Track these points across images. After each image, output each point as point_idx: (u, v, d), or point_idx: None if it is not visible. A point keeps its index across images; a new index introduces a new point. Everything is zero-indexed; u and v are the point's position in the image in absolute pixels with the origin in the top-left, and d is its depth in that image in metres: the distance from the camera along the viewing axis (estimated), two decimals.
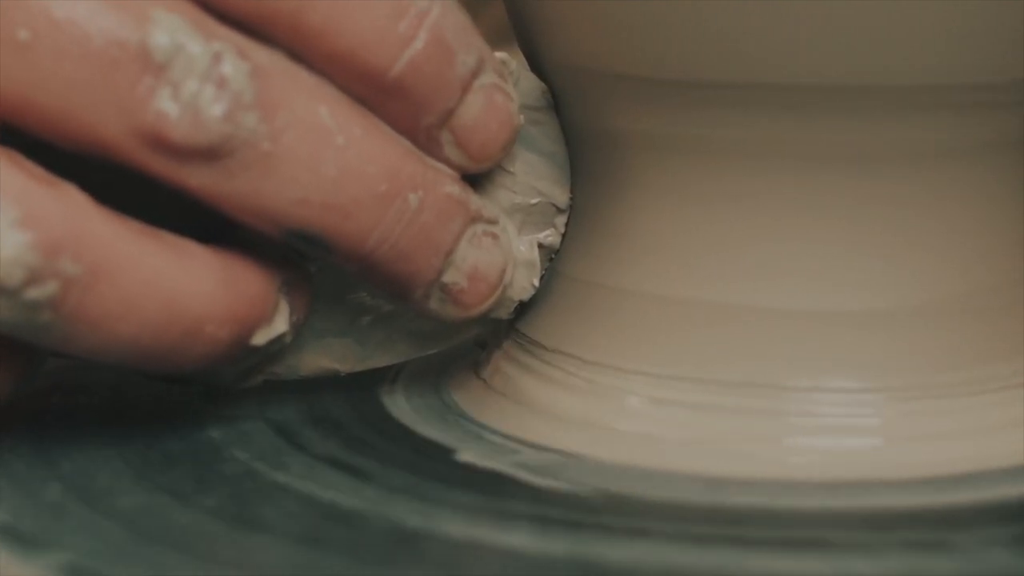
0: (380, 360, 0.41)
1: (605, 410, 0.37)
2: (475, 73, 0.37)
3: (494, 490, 0.35)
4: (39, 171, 0.34)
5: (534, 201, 0.40)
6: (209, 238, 0.36)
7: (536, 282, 0.40)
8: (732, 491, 0.35)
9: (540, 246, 0.40)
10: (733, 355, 0.37)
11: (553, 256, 0.41)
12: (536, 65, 0.40)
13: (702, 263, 0.37)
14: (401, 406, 0.41)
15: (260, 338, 0.37)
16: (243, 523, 0.33)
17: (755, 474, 0.35)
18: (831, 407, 0.36)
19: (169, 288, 0.34)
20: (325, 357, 0.41)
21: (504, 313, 0.40)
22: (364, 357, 0.41)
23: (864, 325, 0.36)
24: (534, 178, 0.40)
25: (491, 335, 0.42)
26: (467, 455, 0.37)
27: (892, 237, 0.37)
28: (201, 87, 0.34)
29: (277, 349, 0.38)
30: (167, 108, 0.34)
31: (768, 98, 0.36)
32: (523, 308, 0.41)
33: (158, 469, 0.36)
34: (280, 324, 0.37)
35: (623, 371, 0.38)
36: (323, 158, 0.35)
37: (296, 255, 0.38)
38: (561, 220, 0.40)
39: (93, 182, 0.35)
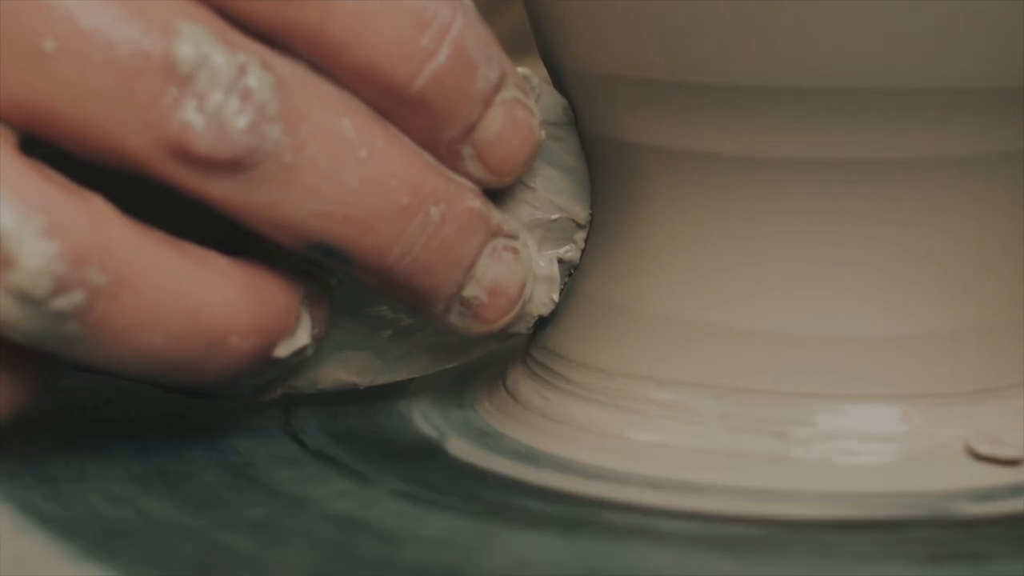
0: (399, 374, 0.41)
1: (624, 420, 0.37)
2: (497, 87, 0.37)
3: (516, 500, 0.35)
4: (64, 181, 0.34)
5: (554, 217, 0.40)
6: (230, 250, 0.36)
7: (556, 297, 0.40)
8: (752, 501, 0.35)
9: (560, 261, 0.40)
10: (752, 367, 0.37)
11: (572, 271, 0.41)
12: (555, 72, 0.40)
13: (718, 285, 0.38)
14: (422, 419, 0.41)
15: (283, 350, 0.37)
16: (271, 539, 0.34)
17: (776, 485, 0.35)
18: (851, 417, 0.36)
19: (193, 299, 0.35)
20: (344, 370, 0.41)
21: (523, 328, 0.40)
22: (383, 371, 0.41)
23: (884, 346, 0.37)
24: (554, 194, 0.40)
25: (512, 348, 0.42)
26: (490, 465, 0.37)
27: (912, 259, 0.37)
28: (226, 99, 0.34)
29: (298, 362, 0.38)
30: (192, 119, 0.34)
31: (784, 102, 0.36)
32: (544, 322, 0.41)
33: (182, 485, 0.36)
34: (302, 336, 0.37)
35: (641, 381, 0.38)
36: (345, 171, 0.35)
37: (317, 268, 0.38)
38: (581, 236, 0.41)
39: (114, 194, 0.35)
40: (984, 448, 0.35)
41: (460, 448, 0.39)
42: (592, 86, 0.39)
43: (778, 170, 0.37)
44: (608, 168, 0.40)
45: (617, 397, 0.38)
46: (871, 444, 0.36)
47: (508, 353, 0.42)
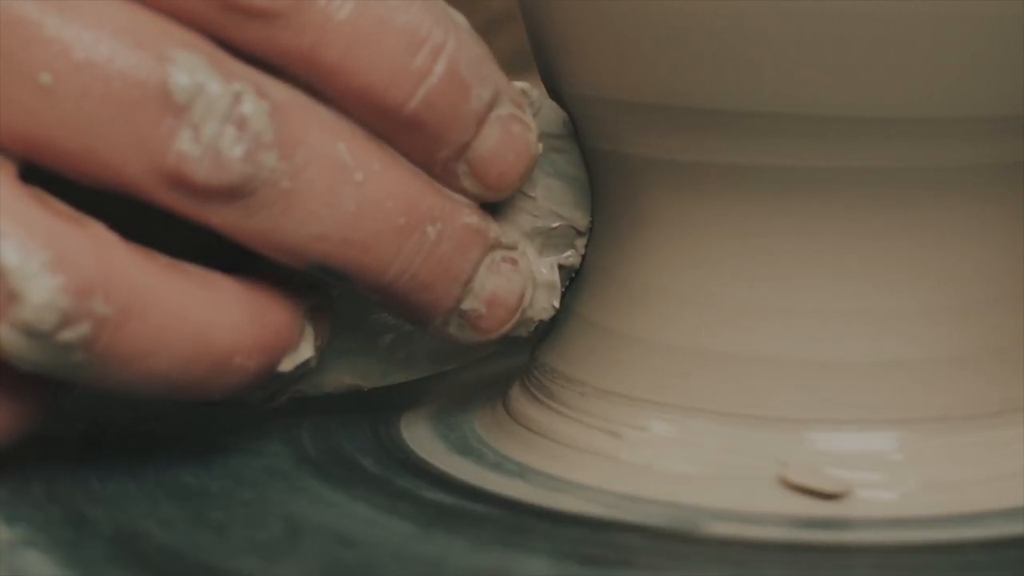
0: (402, 376, 0.42)
1: (623, 443, 0.38)
2: (491, 106, 0.37)
3: (513, 521, 0.36)
4: (65, 209, 0.35)
5: (555, 225, 0.40)
6: (234, 261, 0.37)
7: (556, 303, 0.40)
8: (750, 525, 0.35)
9: (560, 267, 0.41)
10: (749, 391, 0.37)
11: (573, 275, 0.41)
12: (555, 93, 0.41)
13: (716, 310, 0.38)
14: (423, 438, 0.41)
15: (287, 364, 0.37)
16: (276, 561, 0.34)
17: (773, 509, 0.35)
18: (847, 442, 0.36)
19: (198, 322, 0.35)
20: (348, 375, 0.41)
21: (524, 332, 0.40)
22: (386, 374, 0.42)
23: (884, 371, 0.37)
24: (555, 203, 0.40)
25: (512, 367, 0.42)
26: (488, 486, 0.38)
27: (913, 281, 0.37)
28: (222, 128, 0.34)
29: (303, 373, 0.39)
30: (188, 149, 0.34)
31: (786, 127, 0.36)
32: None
33: (185, 504, 0.37)
34: (306, 350, 0.38)
35: (639, 402, 0.38)
36: (342, 194, 0.36)
37: (319, 280, 0.38)
38: (581, 242, 0.41)
39: (117, 210, 0.35)
40: (800, 478, 0.35)
41: (460, 468, 0.39)
42: (591, 108, 0.39)
43: (776, 184, 0.37)
44: (607, 182, 0.40)
45: (617, 420, 0.38)
46: (870, 470, 0.36)
47: (508, 372, 0.43)
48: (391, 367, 0.42)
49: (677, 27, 0.36)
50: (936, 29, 0.34)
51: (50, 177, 0.35)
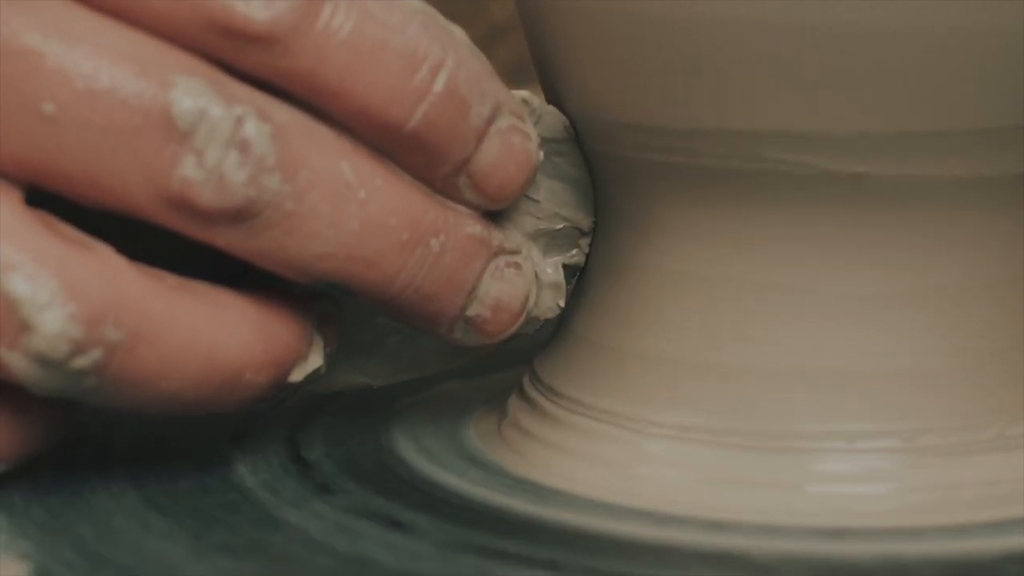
0: (411, 374, 0.42)
1: (623, 456, 0.38)
2: (490, 120, 0.37)
3: (513, 534, 0.36)
4: (73, 233, 0.35)
5: (559, 226, 0.41)
6: (242, 269, 0.37)
7: (562, 302, 0.41)
8: (750, 537, 0.35)
9: (565, 266, 0.41)
10: (750, 403, 0.37)
11: (578, 274, 0.42)
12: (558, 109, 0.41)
13: (715, 324, 0.38)
14: (420, 451, 0.42)
15: (297, 375, 0.38)
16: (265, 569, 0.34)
17: (774, 520, 0.36)
18: (848, 453, 0.36)
19: (208, 343, 0.36)
20: (358, 374, 0.42)
21: (530, 329, 0.41)
22: (394, 373, 0.42)
23: (884, 380, 0.37)
24: (558, 205, 0.41)
25: (511, 379, 0.43)
26: (486, 500, 0.38)
27: (913, 289, 0.37)
28: (225, 153, 0.34)
29: (312, 380, 0.39)
30: (192, 175, 0.34)
31: (789, 144, 0.36)
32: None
33: (187, 515, 0.37)
34: (315, 359, 0.38)
35: (641, 416, 0.38)
36: (345, 213, 0.36)
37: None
38: (585, 242, 0.41)
39: (121, 223, 0.36)
40: None
41: (458, 482, 0.39)
42: (591, 126, 0.39)
43: (777, 191, 0.37)
44: (606, 191, 0.40)
45: (617, 436, 0.39)
46: (871, 480, 0.36)
47: (508, 383, 0.43)
48: (399, 366, 0.42)
49: (676, 50, 0.36)
50: (940, 46, 0.35)
51: (55, 195, 0.36)
